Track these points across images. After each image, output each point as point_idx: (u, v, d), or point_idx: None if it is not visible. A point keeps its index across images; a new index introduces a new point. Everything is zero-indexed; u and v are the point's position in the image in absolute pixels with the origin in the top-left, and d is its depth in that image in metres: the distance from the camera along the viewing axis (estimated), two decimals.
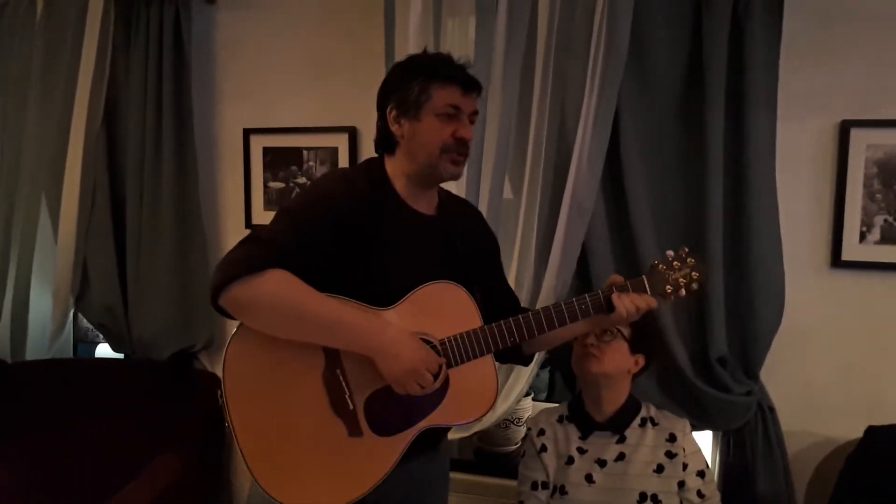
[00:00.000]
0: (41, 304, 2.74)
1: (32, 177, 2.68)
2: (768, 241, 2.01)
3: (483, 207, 2.17)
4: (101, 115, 2.63)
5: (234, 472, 2.62)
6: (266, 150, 2.58)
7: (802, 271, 2.11)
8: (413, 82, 1.42)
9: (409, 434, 1.39)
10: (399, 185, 1.45)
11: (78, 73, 2.61)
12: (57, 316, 2.71)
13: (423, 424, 1.40)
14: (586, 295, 1.47)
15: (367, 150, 2.50)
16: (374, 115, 2.26)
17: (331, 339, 1.34)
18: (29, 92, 2.67)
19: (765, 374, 2.11)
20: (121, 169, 2.67)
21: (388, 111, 1.45)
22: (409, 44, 2.20)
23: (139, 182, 2.60)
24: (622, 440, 1.76)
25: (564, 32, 2.11)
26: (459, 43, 2.25)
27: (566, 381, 2.73)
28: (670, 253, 1.51)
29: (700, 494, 1.72)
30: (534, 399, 2.50)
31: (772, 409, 2.08)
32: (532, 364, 2.16)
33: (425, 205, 1.49)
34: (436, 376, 1.36)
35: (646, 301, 1.46)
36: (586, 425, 1.79)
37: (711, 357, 2.03)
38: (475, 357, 1.41)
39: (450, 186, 2.21)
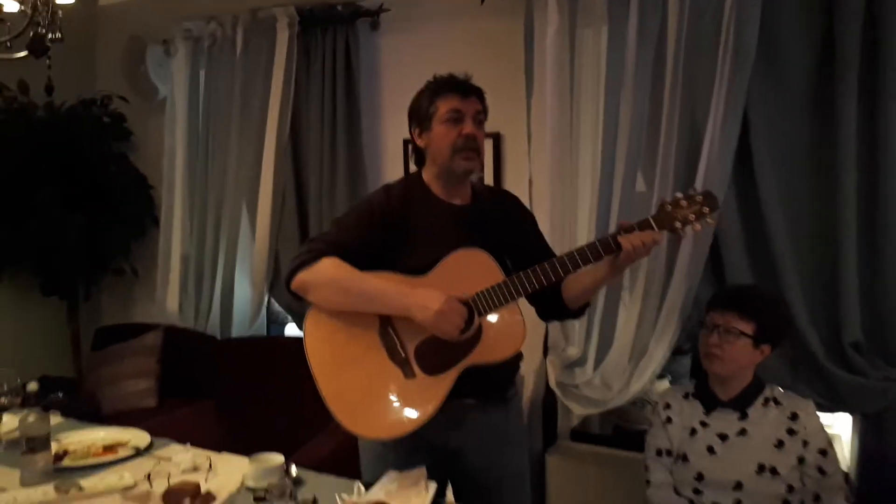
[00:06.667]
0: (243, 292, 3.28)
1: (235, 186, 3.21)
2: None
3: (616, 200, 2.35)
4: (288, 131, 3.09)
5: None
6: None
7: None
8: (423, 102, 1.73)
9: (454, 372, 1.65)
10: (434, 186, 1.76)
11: (269, 96, 3.08)
12: (255, 301, 3.23)
13: (465, 363, 1.65)
14: (596, 239, 1.65)
15: (511, 153, 2.77)
16: (518, 121, 2.56)
17: (373, 307, 1.66)
18: (231, 114, 3.20)
19: None
20: (304, 175, 3.13)
21: (412, 131, 1.78)
22: (547, 54, 2.43)
23: (319, 185, 3.04)
24: (744, 417, 1.87)
25: (693, 35, 2.23)
26: (593, 51, 2.44)
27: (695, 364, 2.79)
28: (679, 194, 1.65)
29: (822, 471, 1.80)
30: (673, 384, 2.61)
31: None
32: (665, 349, 2.33)
33: (459, 198, 1.78)
34: (469, 324, 1.62)
35: (651, 236, 1.61)
36: (710, 402, 1.91)
37: (844, 342, 2.07)
38: (501, 305, 1.65)
39: (587, 179, 2.44)
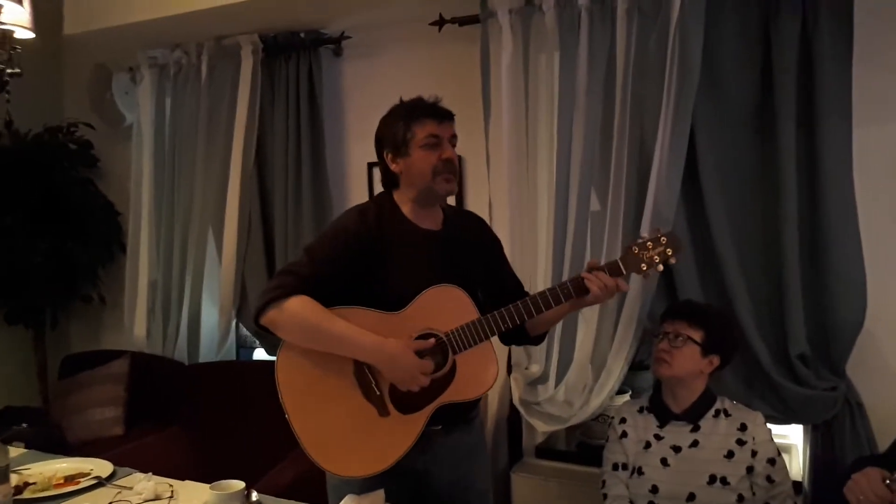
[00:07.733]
0: (210, 317, 3.29)
1: (201, 211, 3.23)
2: (846, 243, 2.10)
3: (571, 219, 2.41)
4: (253, 156, 3.12)
5: None
6: None
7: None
8: (398, 127, 1.71)
9: (428, 410, 1.67)
10: (406, 209, 1.75)
11: (234, 122, 3.11)
12: (222, 325, 3.24)
13: (438, 402, 1.68)
14: (567, 280, 1.71)
15: (472, 175, 2.82)
16: (479, 144, 2.62)
17: (341, 353, 1.65)
18: (197, 140, 3.23)
19: (857, 372, 2.18)
20: (270, 199, 3.15)
21: (385, 156, 1.75)
22: (502, 79, 2.49)
23: (284, 210, 3.06)
24: (696, 429, 1.92)
25: (640, 59, 2.30)
26: (547, 75, 2.51)
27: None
28: (644, 235, 1.71)
29: (770, 480, 1.86)
30: (633, 398, 2.66)
31: (860, 405, 2.15)
32: (623, 363, 2.38)
33: (430, 222, 1.77)
34: (442, 365, 1.66)
35: (616, 282, 1.69)
36: (664, 415, 1.97)
37: (791, 354, 2.14)
38: (475, 343, 1.68)
39: (543, 199, 2.50)
